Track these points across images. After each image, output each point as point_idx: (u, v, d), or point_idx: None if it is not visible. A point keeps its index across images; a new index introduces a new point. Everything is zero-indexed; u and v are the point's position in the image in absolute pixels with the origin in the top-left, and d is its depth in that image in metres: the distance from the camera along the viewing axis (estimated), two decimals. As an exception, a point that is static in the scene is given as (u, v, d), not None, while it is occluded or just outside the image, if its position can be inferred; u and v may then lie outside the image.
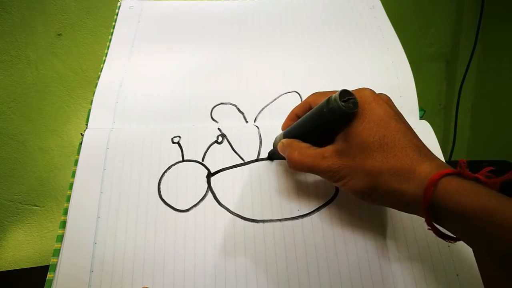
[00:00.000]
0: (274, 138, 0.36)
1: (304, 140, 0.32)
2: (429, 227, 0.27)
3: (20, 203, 0.72)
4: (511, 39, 0.82)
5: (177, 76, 0.44)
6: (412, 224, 0.35)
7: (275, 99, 0.42)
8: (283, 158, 0.35)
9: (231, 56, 0.46)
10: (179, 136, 0.39)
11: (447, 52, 0.91)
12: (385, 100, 0.30)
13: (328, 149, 0.30)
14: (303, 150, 0.31)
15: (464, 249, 0.34)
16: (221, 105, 0.42)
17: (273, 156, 0.38)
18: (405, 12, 0.85)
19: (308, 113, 0.31)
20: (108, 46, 0.47)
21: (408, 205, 0.28)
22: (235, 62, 0.45)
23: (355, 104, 0.28)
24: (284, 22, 0.49)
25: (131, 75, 0.44)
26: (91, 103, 0.41)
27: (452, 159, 0.88)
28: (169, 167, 0.37)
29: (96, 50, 0.71)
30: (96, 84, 0.43)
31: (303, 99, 0.42)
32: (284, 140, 0.33)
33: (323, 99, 0.29)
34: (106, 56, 0.46)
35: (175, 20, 0.49)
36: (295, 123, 0.34)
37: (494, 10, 0.84)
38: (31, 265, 0.73)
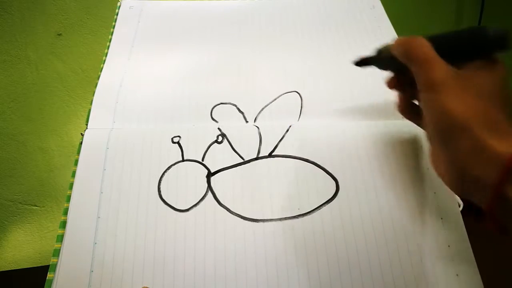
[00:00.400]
0: (274, 138, 0.36)
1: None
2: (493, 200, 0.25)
3: (20, 203, 0.72)
4: (511, 39, 0.82)
5: (177, 76, 0.44)
6: (412, 224, 0.35)
7: (275, 99, 0.42)
8: (381, 65, 0.35)
9: (231, 56, 0.46)
10: (179, 136, 0.39)
11: (447, 52, 0.91)
12: None
13: (451, 65, 0.29)
14: (430, 47, 0.29)
15: (464, 249, 0.34)
16: (221, 105, 0.42)
17: (366, 62, 0.36)
18: (405, 12, 0.86)
19: (459, 30, 0.30)
20: (108, 46, 0.47)
21: (477, 164, 0.26)
22: (235, 62, 0.45)
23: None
24: (284, 22, 0.49)
25: (131, 75, 0.44)
26: (91, 103, 0.41)
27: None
28: (169, 167, 0.37)
29: (96, 50, 0.71)
30: (96, 84, 0.43)
31: (303, 99, 0.42)
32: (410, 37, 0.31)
33: None
34: (106, 56, 0.46)
35: (175, 20, 0.49)
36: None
37: (494, 10, 0.84)
38: (31, 265, 0.73)
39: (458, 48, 0.30)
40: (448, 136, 0.28)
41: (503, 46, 0.28)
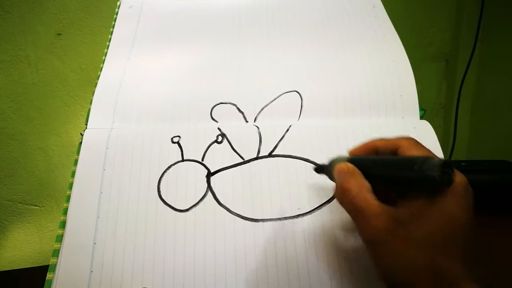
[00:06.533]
0: (274, 138, 0.36)
1: (369, 179, 0.28)
2: None
3: (20, 203, 0.72)
4: (511, 39, 0.82)
5: (177, 75, 0.44)
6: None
7: (275, 99, 0.42)
8: (331, 179, 0.32)
9: (231, 55, 0.45)
10: (179, 136, 0.39)
11: (447, 52, 0.91)
12: (471, 196, 0.26)
13: (387, 210, 0.26)
14: (363, 190, 0.27)
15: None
16: (221, 104, 0.42)
17: (321, 171, 0.34)
18: (405, 11, 0.85)
19: (394, 157, 0.28)
20: (108, 46, 0.47)
21: None
22: (235, 61, 0.45)
23: (449, 182, 0.25)
24: (284, 22, 0.49)
25: (130, 75, 0.44)
26: (90, 103, 0.41)
27: (452, 158, 0.88)
28: (169, 167, 0.37)
29: (96, 50, 0.71)
30: (96, 84, 0.43)
31: (303, 98, 0.42)
32: (349, 165, 0.29)
33: (416, 153, 0.26)
34: (106, 55, 0.46)
35: (175, 19, 0.49)
36: (370, 156, 0.30)
37: (494, 10, 0.84)
38: (31, 265, 0.73)
39: (399, 183, 0.27)
40: None
41: (439, 184, 0.24)
